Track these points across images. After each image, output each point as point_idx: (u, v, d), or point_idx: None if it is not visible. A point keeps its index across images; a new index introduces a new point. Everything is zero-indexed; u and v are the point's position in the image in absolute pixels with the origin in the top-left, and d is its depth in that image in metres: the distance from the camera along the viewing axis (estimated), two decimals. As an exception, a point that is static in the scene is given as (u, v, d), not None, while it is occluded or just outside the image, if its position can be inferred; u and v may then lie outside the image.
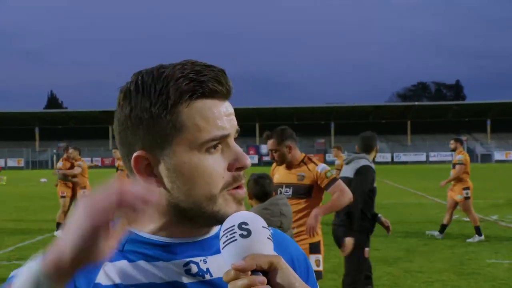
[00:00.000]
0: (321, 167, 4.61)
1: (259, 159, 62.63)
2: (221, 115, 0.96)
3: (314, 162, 4.69)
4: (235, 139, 1.01)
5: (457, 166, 11.58)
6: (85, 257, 0.74)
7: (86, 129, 78.25)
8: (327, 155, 68.77)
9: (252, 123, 71.21)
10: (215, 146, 0.95)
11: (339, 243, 5.29)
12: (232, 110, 1.00)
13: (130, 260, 0.96)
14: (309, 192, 4.60)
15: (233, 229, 0.89)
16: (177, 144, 0.94)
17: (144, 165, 0.96)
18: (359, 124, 76.09)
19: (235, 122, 0.99)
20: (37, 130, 76.13)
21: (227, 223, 0.91)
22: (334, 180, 4.56)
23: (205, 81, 0.93)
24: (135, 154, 0.96)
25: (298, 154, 4.73)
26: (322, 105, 77.56)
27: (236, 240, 0.88)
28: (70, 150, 12.24)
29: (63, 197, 11.82)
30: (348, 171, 5.44)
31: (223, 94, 0.96)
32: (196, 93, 0.93)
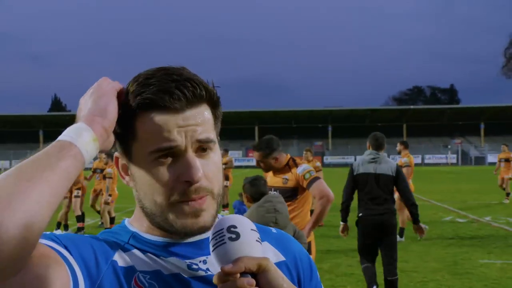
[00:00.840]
0: (301, 168, 4.63)
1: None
2: (171, 128, 0.93)
3: (296, 164, 4.72)
4: (204, 148, 0.97)
5: (404, 169, 11.75)
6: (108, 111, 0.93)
7: (89, 131, 78.15)
8: (325, 157, 68.81)
9: (251, 126, 71.22)
10: (164, 157, 0.93)
11: (387, 230, 6.04)
12: (193, 121, 0.94)
13: (139, 250, 0.98)
14: (294, 195, 4.63)
15: (222, 232, 0.89)
16: (134, 152, 0.97)
17: (121, 165, 1.03)
18: (356, 127, 76.24)
19: (195, 133, 0.94)
20: (41, 132, 76.05)
21: (216, 227, 0.91)
22: (313, 180, 4.56)
23: (156, 96, 0.92)
24: (115, 154, 1.04)
25: (283, 159, 4.76)
26: (320, 109, 77.59)
27: (225, 243, 0.88)
28: None
29: (65, 197, 11.86)
30: (384, 169, 6.08)
31: (179, 106, 0.93)
32: (146, 105, 0.93)
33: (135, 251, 0.97)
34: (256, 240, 0.90)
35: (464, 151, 69.71)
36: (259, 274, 0.87)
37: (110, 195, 11.87)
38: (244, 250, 0.87)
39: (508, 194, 17.30)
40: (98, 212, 12.73)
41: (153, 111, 0.93)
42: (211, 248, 0.90)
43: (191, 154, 0.94)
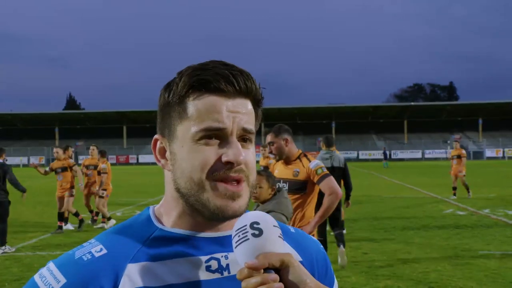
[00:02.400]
0: (314, 164, 4.59)
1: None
2: (222, 110, 0.94)
3: (308, 159, 4.68)
4: (245, 139, 0.97)
5: None
6: None
7: (102, 128, 78.38)
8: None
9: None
10: (210, 137, 0.94)
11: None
12: (241, 109, 0.96)
13: (152, 259, 0.94)
14: (303, 188, 4.59)
15: (245, 228, 0.88)
16: (180, 131, 0.96)
17: (159, 148, 1.02)
18: (359, 123, 76.04)
19: (241, 121, 0.95)
20: (57, 130, 76.35)
21: (239, 223, 0.90)
22: (324, 176, 4.53)
23: (213, 78, 0.94)
24: (154, 137, 1.03)
25: (294, 150, 4.71)
26: (324, 106, 77.36)
27: (248, 239, 0.86)
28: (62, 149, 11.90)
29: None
30: (337, 162, 7.74)
31: (231, 92, 0.95)
32: (200, 87, 0.94)
33: (147, 263, 0.93)
34: (279, 236, 0.89)
35: (463, 146, 69.28)
36: (282, 269, 0.86)
37: (104, 190, 11.71)
38: (267, 246, 0.86)
39: (455, 189, 16.63)
40: (91, 211, 12.30)
41: (207, 91, 0.95)
42: (234, 245, 0.88)
43: (234, 139, 0.95)
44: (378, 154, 67.57)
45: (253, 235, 0.87)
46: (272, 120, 71.92)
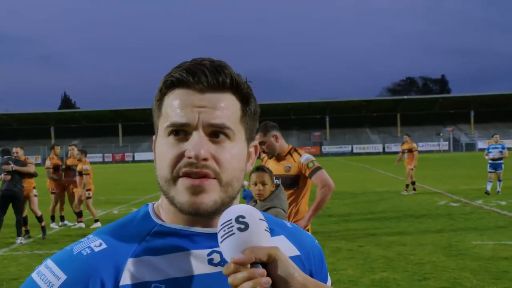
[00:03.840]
0: (304, 157, 4.56)
1: (259, 154, 62.56)
2: (187, 105, 0.92)
3: (298, 153, 4.64)
4: (218, 134, 0.93)
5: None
6: None
7: (97, 127, 78.12)
8: (323, 147, 68.78)
9: (252, 118, 71.09)
10: (178, 133, 0.92)
11: None
12: (209, 104, 0.92)
13: (153, 254, 0.92)
14: (296, 182, 4.56)
15: (231, 222, 0.84)
16: (159, 128, 0.96)
17: (153, 146, 1.01)
18: (352, 117, 76.14)
19: (208, 116, 0.91)
20: (53, 129, 76.06)
21: (224, 217, 0.86)
22: (315, 170, 4.50)
23: (180, 75, 0.92)
24: (153, 138, 1.02)
25: (284, 145, 4.68)
26: (317, 101, 77.44)
27: (234, 233, 0.83)
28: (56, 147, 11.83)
29: (53, 192, 11.83)
30: None
31: (202, 87, 0.92)
32: (171, 83, 0.94)
33: (148, 257, 0.91)
34: (265, 230, 0.86)
35: (455, 138, 69.63)
36: (269, 264, 0.83)
37: (89, 190, 11.40)
38: (253, 240, 0.83)
39: (408, 186, 16.13)
40: (76, 213, 11.79)
41: (176, 88, 0.94)
42: (219, 240, 0.85)
43: (200, 134, 0.91)
44: (372, 148, 67.75)
45: (239, 229, 0.83)
46: (266, 116, 71.62)
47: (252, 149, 1.04)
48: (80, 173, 11.44)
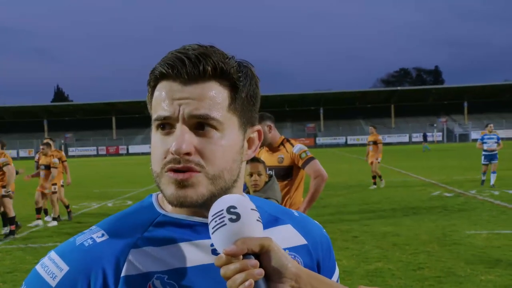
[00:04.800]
0: (297, 148, 4.54)
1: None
2: (167, 98, 0.90)
3: (291, 144, 4.62)
4: (203, 125, 0.90)
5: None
6: None
7: (91, 120, 77.83)
8: (317, 138, 68.87)
9: (246, 110, 70.98)
10: (162, 127, 0.91)
11: None
12: (191, 95, 0.89)
13: (156, 244, 0.91)
14: (289, 174, 4.54)
15: (222, 213, 0.82)
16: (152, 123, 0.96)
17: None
18: (346, 109, 76.22)
19: (189, 107, 0.89)
20: (46, 122, 75.68)
21: (215, 207, 0.84)
22: (308, 160, 4.48)
23: (162, 66, 0.91)
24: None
25: (277, 136, 4.66)
26: (311, 92, 77.37)
27: (225, 224, 0.81)
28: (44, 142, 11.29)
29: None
30: None
31: (184, 78, 0.89)
32: (155, 78, 0.93)
33: (150, 248, 0.91)
34: (257, 220, 0.83)
35: (449, 129, 69.91)
36: (262, 254, 0.81)
37: (55, 184, 10.97)
38: (245, 231, 0.81)
39: (375, 177, 15.58)
40: (46, 211, 11.59)
41: (161, 81, 0.93)
42: (210, 231, 0.83)
43: (182, 127, 0.89)
44: (366, 139, 67.79)
45: (230, 220, 0.81)
46: (260, 108, 71.19)
47: (254, 135, 1.01)
48: (49, 167, 10.94)
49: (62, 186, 11.53)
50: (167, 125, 0.91)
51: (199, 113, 0.89)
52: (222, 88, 0.92)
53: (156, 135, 0.93)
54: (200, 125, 0.90)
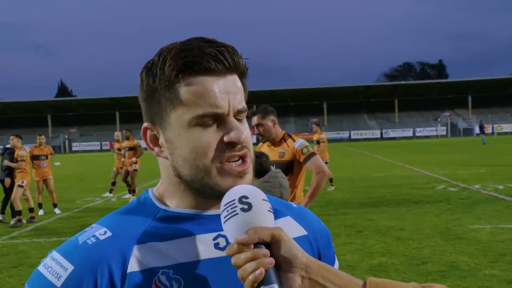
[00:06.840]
0: (299, 143, 4.53)
1: (257, 139, 62.50)
2: (215, 93, 0.90)
3: (292, 139, 4.61)
4: (247, 116, 0.96)
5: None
6: None
7: (95, 115, 77.92)
8: (320, 133, 68.73)
9: (249, 105, 70.86)
10: (208, 121, 0.91)
11: None
12: (232, 88, 0.92)
13: (159, 239, 0.92)
14: (290, 168, 4.53)
15: (234, 203, 0.84)
16: (173, 118, 0.92)
17: (150, 135, 0.98)
18: (350, 103, 76.02)
19: (235, 101, 0.92)
20: (49, 117, 75.82)
21: (227, 197, 0.86)
22: (310, 155, 4.47)
23: (201, 58, 0.89)
24: (143, 125, 0.98)
25: (279, 130, 4.65)
26: (315, 87, 77.27)
27: (237, 214, 0.83)
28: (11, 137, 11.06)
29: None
30: None
31: (222, 70, 0.90)
32: (190, 70, 0.89)
33: (154, 243, 0.91)
34: (268, 210, 0.85)
35: (453, 123, 69.70)
36: (272, 244, 0.83)
37: (23, 180, 10.61)
38: (257, 221, 0.83)
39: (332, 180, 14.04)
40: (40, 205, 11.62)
41: (197, 73, 0.90)
42: (222, 220, 0.84)
43: (233, 118, 0.93)
44: (370, 134, 67.77)
45: (242, 209, 0.83)
46: (264, 103, 71.67)
47: None
48: (17, 160, 10.74)
49: (21, 186, 10.65)
50: (211, 119, 0.91)
51: (242, 107, 0.94)
52: (240, 79, 0.97)
53: (193, 131, 0.91)
54: (239, 116, 0.95)
